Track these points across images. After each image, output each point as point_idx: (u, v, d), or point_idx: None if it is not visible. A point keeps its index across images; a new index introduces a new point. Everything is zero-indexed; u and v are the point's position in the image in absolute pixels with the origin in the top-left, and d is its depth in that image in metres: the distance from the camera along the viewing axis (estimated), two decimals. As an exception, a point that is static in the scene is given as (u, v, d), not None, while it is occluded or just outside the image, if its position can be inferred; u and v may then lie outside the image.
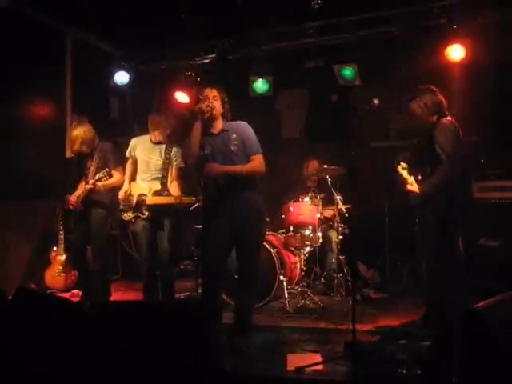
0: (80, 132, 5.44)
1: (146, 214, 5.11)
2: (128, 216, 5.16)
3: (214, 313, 4.21)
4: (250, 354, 4.09)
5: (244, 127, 4.29)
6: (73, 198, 5.47)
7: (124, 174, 5.40)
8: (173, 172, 5.26)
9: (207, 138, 4.19)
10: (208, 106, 4.15)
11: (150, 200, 5.11)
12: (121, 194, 5.20)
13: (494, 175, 5.76)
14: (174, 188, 5.21)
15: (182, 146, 5.19)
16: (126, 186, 5.25)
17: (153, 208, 5.10)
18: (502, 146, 6.11)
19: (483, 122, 6.06)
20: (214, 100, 4.21)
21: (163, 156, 5.21)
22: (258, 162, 4.21)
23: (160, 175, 5.19)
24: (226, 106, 4.30)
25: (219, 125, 4.28)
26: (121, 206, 5.20)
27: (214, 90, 4.26)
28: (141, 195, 5.13)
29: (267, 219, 6.37)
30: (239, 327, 4.22)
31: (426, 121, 4.59)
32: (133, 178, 5.29)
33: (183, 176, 5.35)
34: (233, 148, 4.18)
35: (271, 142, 6.34)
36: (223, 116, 4.30)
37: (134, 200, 5.14)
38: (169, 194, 5.15)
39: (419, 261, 5.05)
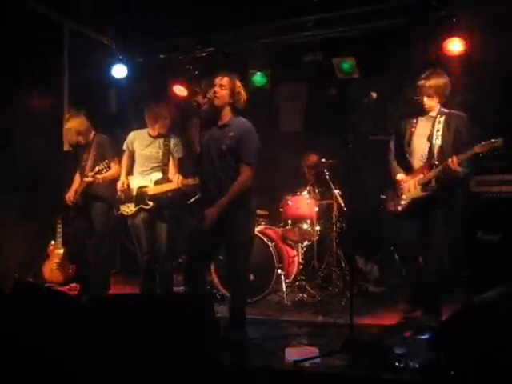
0: (74, 123, 5.45)
1: (150, 204, 5.05)
2: (130, 210, 5.10)
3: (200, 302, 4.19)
4: (246, 348, 4.08)
5: (246, 128, 4.07)
6: (70, 193, 5.46)
7: (121, 166, 5.37)
8: (174, 163, 5.20)
9: (210, 130, 4.10)
10: (211, 94, 4.00)
11: (152, 189, 5.06)
12: (119, 185, 5.16)
13: (492, 169, 5.76)
14: (178, 178, 5.04)
15: (181, 138, 5.17)
16: (123, 178, 5.20)
17: (156, 198, 5.06)
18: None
19: (482, 116, 6.03)
20: (222, 89, 4.03)
21: (162, 148, 5.17)
22: (242, 177, 4.00)
23: (160, 164, 5.15)
24: (238, 97, 4.08)
25: (226, 116, 4.10)
26: (120, 200, 5.15)
27: (225, 78, 4.05)
28: (141, 187, 5.10)
29: (265, 213, 6.44)
30: (233, 320, 4.19)
31: (430, 106, 4.53)
32: (129, 172, 5.25)
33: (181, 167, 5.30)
34: (223, 146, 4.00)
35: (270, 135, 6.33)
36: (233, 107, 4.11)
37: (134, 193, 5.10)
38: (170, 181, 5.08)
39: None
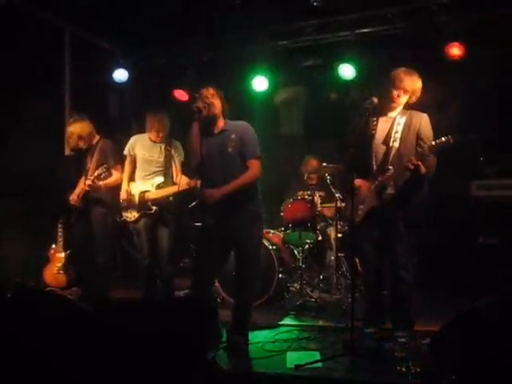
0: (76, 128, 5.43)
1: (154, 208, 5.06)
2: (133, 216, 5.12)
3: (209, 309, 4.21)
4: (248, 352, 4.09)
5: (244, 128, 4.21)
6: (73, 196, 5.46)
7: (123, 172, 5.38)
8: (177, 167, 5.22)
9: (207, 139, 4.13)
10: (204, 104, 4.08)
11: (154, 194, 5.07)
12: (122, 194, 5.18)
13: (492, 173, 5.77)
14: (183, 180, 5.03)
15: (182, 143, 5.18)
16: (125, 186, 5.22)
17: (158, 202, 5.07)
18: (502, 144, 6.10)
19: (482, 120, 6.05)
20: (213, 98, 4.14)
21: (164, 152, 5.19)
22: (253, 169, 4.12)
23: (162, 169, 5.17)
24: (225, 105, 4.23)
25: (220, 124, 4.22)
26: (123, 207, 5.17)
27: (210, 89, 4.18)
28: (143, 192, 5.11)
29: (264, 215, 6.43)
30: (237, 326, 4.22)
31: (399, 104, 4.32)
32: (131, 178, 5.26)
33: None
34: (230, 149, 4.10)
35: (270, 139, 6.33)
36: (223, 115, 4.24)
37: (137, 199, 5.11)
38: (175, 185, 5.08)
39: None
